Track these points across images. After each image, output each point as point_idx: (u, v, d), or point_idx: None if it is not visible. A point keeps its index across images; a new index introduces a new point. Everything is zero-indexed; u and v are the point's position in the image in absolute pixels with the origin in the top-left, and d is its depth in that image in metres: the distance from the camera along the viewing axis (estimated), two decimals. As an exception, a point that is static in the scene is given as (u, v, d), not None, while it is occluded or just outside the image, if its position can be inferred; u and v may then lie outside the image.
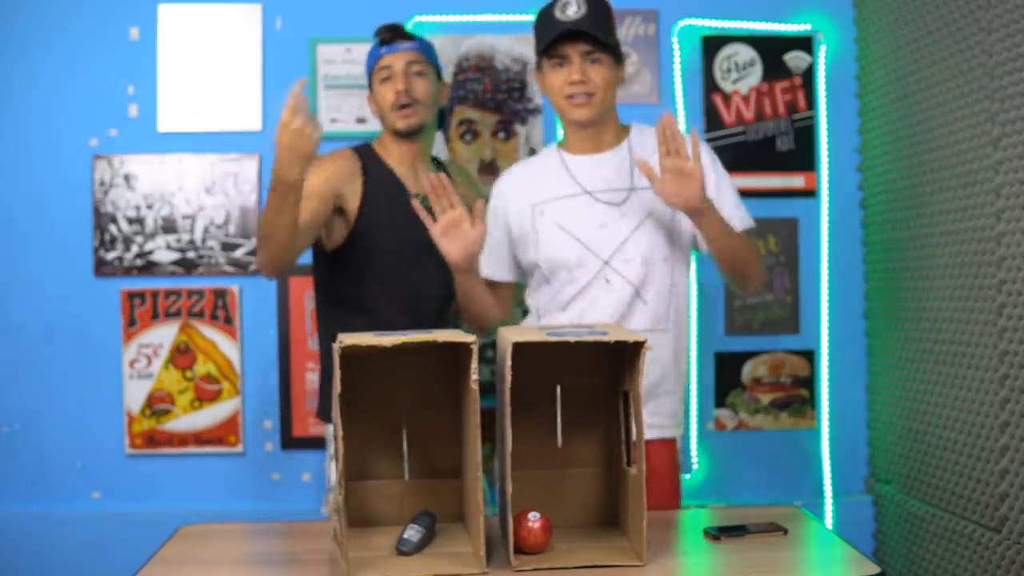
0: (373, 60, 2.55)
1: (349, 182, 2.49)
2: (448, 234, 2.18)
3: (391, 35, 2.52)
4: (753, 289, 2.42)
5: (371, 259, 2.50)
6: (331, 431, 2.56)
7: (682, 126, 3.15)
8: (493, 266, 2.44)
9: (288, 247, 2.27)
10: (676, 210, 2.26)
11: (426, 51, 2.55)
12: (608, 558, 1.77)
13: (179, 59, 3.10)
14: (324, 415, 2.63)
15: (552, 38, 2.24)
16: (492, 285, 2.43)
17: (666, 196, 2.16)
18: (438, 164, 2.69)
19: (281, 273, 2.41)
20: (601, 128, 2.34)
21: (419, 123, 2.51)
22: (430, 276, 2.54)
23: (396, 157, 2.55)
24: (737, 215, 2.33)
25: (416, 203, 2.26)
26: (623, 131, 2.39)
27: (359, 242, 2.50)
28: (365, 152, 2.57)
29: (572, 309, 2.32)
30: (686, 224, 2.32)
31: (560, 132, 2.49)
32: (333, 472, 2.55)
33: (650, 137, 2.35)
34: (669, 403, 2.37)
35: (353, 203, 2.49)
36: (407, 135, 2.52)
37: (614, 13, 2.34)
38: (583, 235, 2.31)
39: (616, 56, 2.31)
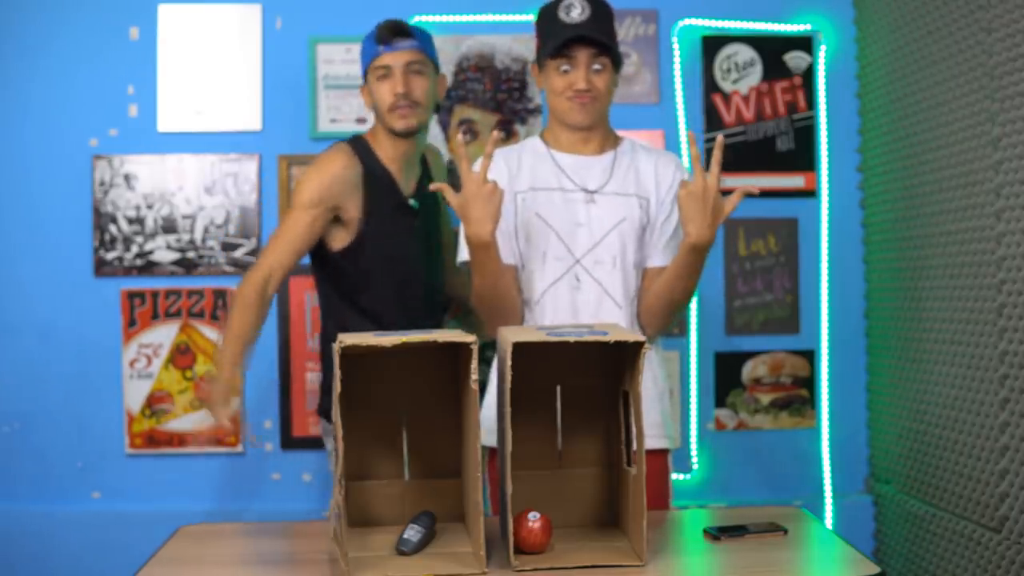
0: (370, 56, 2.50)
1: (350, 192, 2.49)
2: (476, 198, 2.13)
3: (391, 34, 2.47)
4: (662, 331, 2.34)
5: (374, 265, 2.51)
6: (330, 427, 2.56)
7: (682, 126, 3.16)
8: None
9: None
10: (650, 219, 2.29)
11: (425, 46, 2.51)
12: (608, 558, 1.77)
13: (179, 59, 3.10)
14: (324, 412, 2.63)
15: (560, 43, 2.22)
16: None
17: (685, 214, 2.14)
18: (422, 159, 2.67)
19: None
20: (591, 131, 2.32)
21: (417, 124, 2.50)
22: (429, 278, 2.63)
23: (388, 153, 2.54)
24: (671, 244, 2.31)
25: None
26: (613, 138, 2.36)
27: (363, 249, 2.51)
28: (362, 149, 2.53)
29: (540, 306, 2.28)
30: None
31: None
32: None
33: (643, 153, 2.34)
34: (650, 415, 2.26)
35: (354, 211, 2.50)
36: (404, 135, 2.51)
37: (615, 14, 2.33)
38: (559, 229, 2.29)
39: (616, 61, 2.30)
